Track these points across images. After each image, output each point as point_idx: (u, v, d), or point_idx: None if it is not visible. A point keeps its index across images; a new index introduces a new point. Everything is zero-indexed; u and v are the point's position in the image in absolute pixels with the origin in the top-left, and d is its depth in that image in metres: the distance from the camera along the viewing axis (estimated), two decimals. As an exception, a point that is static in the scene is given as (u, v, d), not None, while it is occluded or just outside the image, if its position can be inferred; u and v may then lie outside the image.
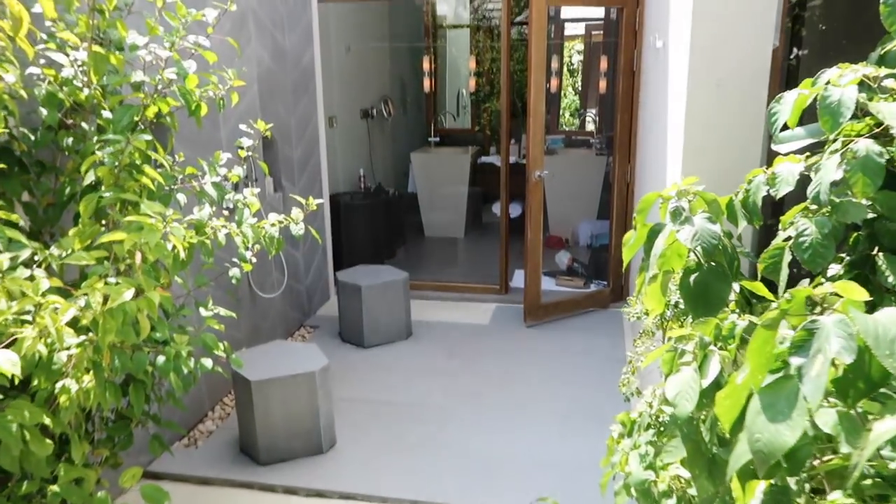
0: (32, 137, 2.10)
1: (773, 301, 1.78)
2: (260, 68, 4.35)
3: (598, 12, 8.37)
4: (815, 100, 1.49)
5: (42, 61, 2.03)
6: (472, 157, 7.36)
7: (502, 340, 4.79)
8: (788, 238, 1.53)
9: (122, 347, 1.81)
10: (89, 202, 1.84)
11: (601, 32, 8.67)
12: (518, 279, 5.83)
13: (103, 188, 1.87)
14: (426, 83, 7.55)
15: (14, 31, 1.55)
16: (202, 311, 2.37)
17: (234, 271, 2.60)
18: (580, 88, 9.91)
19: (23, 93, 1.80)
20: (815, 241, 1.50)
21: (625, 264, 2.04)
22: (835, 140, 1.56)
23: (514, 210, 7.28)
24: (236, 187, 2.82)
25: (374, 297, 4.64)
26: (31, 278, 1.55)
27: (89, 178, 1.88)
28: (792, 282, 1.57)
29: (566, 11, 9.00)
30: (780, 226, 1.64)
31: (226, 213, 2.46)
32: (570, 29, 9.78)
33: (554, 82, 7.84)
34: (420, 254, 6.92)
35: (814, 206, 1.57)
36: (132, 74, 2.06)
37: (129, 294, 1.56)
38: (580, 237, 6.95)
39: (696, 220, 1.76)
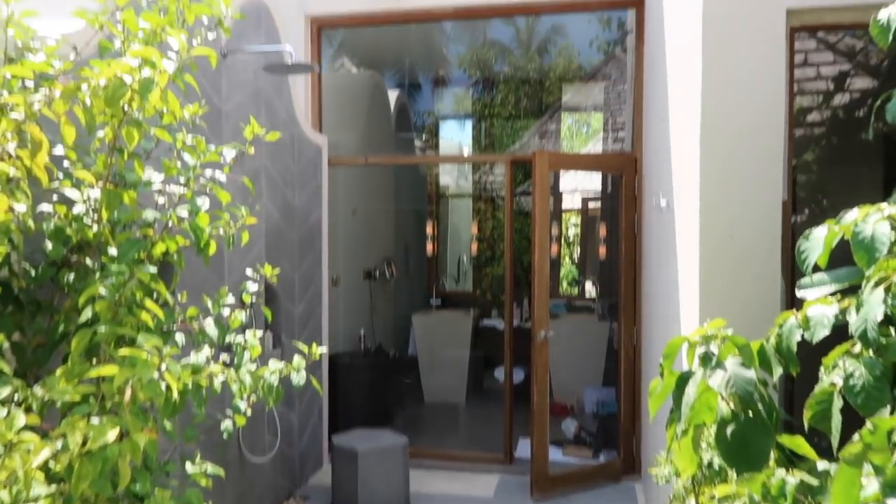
0: (33, 273, 2.04)
1: (816, 459, 1.62)
2: (269, 223, 4.41)
3: (595, 184, 8.75)
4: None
5: (55, 197, 2.02)
6: (473, 320, 7.30)
7: (508, 514, 4.41)
8: (834, 383, 1.41)
9: (97, 502, 1.61)
10: (83, 338, 1.73)
11: (598, 204, 9.02)
12: (523, 448, 5.52)
13: (99, 324, 1.77)
14: (429, 246, 7.71)
15: (32, 155, 1.54)
16: (189, 466, 2.17)
17: (227, 424, 2.43)
18: (578, 257, 10.12)
19: (31, 223, 1.77)
20: (868, 383, 1.38)
21: (652, 415, 1.89)
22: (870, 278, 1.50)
23: (518, 375, 7.09)
24: (236, 332, 2.75)
25: (371, 464, 4.34)
26: (7, 414, 1.41)
27: (86, 315, 1.79)
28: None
29: (564, 184, 9.42)
30: (822, 369, 1.52)
31: (224, 356, 2.34)
32: (567, 202, 10.20)
33: (553, 247, 8.00)
34: (420, 419, 6.62)
35: (857, 348, 1.47)
36: (144, 212, 2.05)
37: (112, 435, 1.41)
38: (585, 404, 6.69)
39: (729, 366, 1.64)
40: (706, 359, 1.66)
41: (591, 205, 9.48)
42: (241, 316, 2.44)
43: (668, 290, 3.39)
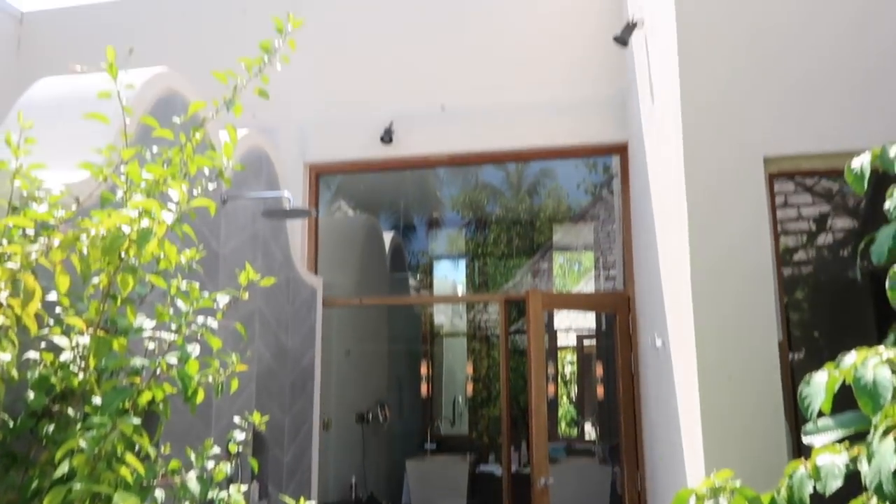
0: (11, 424, 1.96)
1: None
2: (260, 366, 4.34)
3: (590, 321, 8.75)
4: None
5: (42, 344, 1.99)
6: (470, 466, 7.01)
7: None
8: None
9: None
10: (55, 496, 1.63)
11: (593, 341, 8.97)
12: None
13: (76, 480, 1.68)
14: (423, 387, 7.56)
15: (23, 305, 1.53)
16: None
17: None
18: (576, 396, 9.91)
19: (14, 373, 1.72)
20: (890, 541, 1.30)
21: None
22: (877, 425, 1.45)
23: None
24: (220, 487, 2.59)
25: None
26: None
27: (62, 469, 1.70)
28: None
29: (558, 321, 9.43)
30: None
31: (207, 512, 2.20)
32: (562, 339, 10.16)
33: (550, 387, 7.85)
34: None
35: (873, 501, 1.40)
36: (132, 359, 2.01)
37: None
38: (591, 556, 6.28)
39: (742, 519, 1.56)
40: (716, 512, 1.58)
41: (587, 342, 9.43)
42: (226, 468, 2.33)
43: (670, 433, 3.29)
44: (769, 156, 2.59)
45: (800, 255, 3.50)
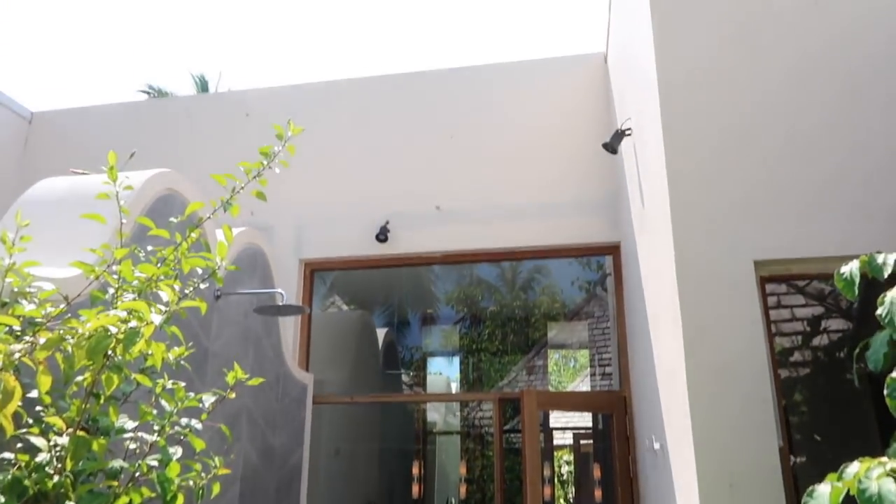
0: (-22, 530, 1.86)
1: None
2: (245, 467, 4.19)
3: (587, 419, 8.56)
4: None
5: (19, 445, 1.92)
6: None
7: None
8: None
9: None
10: None
11: (590, 441, 8.74)
12: None
13: None
14: (415, 489, 7.29)
15: (2, 405, 1.49)
16: None
17: None
18: (574, 499, 9.56)
19: (-15, 479, 1.65)
20: None
21: None
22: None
23: None
24: None
25: None
26: None
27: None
28: None
29: (554, 419, 9.22)
30: None
31: None
32: (558, 438, 9.90)
33: (547, 490, 7.57)
34: None
35: None
36: (111, 462, 1.94)
37: None
38: None
39: None
40: None
41: (584, 441, 9.19)
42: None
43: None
44: (759, 259, 2.62)
45: (796, 357, 3.47)
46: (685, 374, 2.41)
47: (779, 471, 2.24)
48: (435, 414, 10.36)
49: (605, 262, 6.53)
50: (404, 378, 9.80)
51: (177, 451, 1.97)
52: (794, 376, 3.15)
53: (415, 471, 7.34)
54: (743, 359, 2.37)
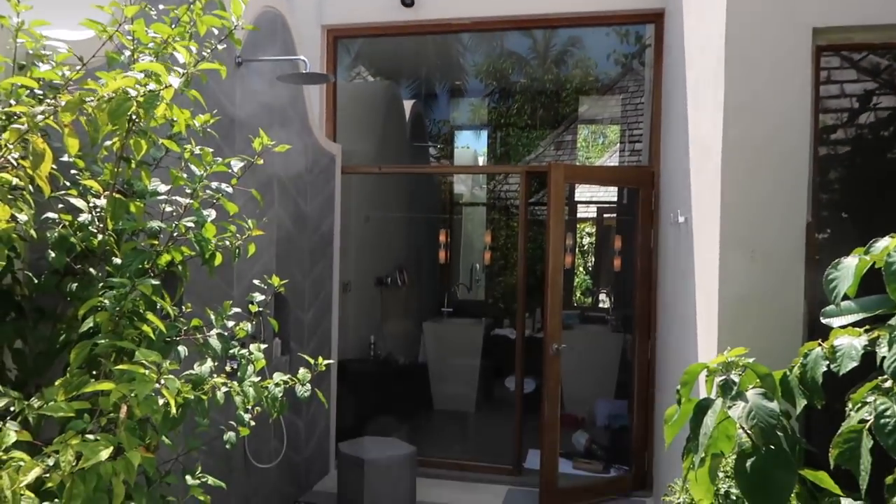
0: (36, 281, 2.01)
1: (842, 496, 1.55)
2: (280, 232, 4.39)
3: (611, 195, 8.68)
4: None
5: (60, 206, 2.00)
6: (485, 329, 7.24)
7: (515, 530, 4.35)
8: (863, 420, 1.35)
9: (90, 519, 1.57)
10: (82, 349, 1.70)
11: (613, 214, 8.94)
12: (532, 460, 5.45)
13: (100, 335, 1.74)
14: (441, 255, 7.67)
15: (34, 166, 1.51)
16: (188, 479, 2.13)
17: (230, 435, 2.39)
18: (593, 267, 10.04)
19: (33, 233, 1.74)
20: (900, 423, 1.32)
21: (667, 442, 1.83)
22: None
23: (528, 386, 7.04)
24: (243, 344, 2.67)
25: (378, 473, 4.29)
26: (-1, 430, 1.38)
27: (87, 325, 1.76)
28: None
29: (579, 193, 9.35)
30: (849, 405, 1.46)
31: (228, 368, 2.30)
32: (582, 212, 10.12)
33: (568, 258, 7.92)
34: (428, 427, 6.57)
35: (889, 383, 1.40)
36: (150, 222, 2.02)
37: (105, 453, 1.37)
38: (597, 417, 6.60)
39: (750, 396, 1.59)
40: (726, 388, 1.60)
41: (607, 215, 9.41)
42: (246, 326, 2.40)
43: (685, 307, 3.33)
44: (818, 26, 2.40)
45: (838, 135, 3.34)
46: (721, 146, 2.34)
47: (802, 245, 2.26)
48: (462, 186, 10.54)
49: (644, 33, 6.11)
50: (431, 151, 9.82)
51: (211, 214, 2.04)
52: (833, 154, 3.05)
53: (441, 238, 7.68)
54: (783, 134, 2.28)
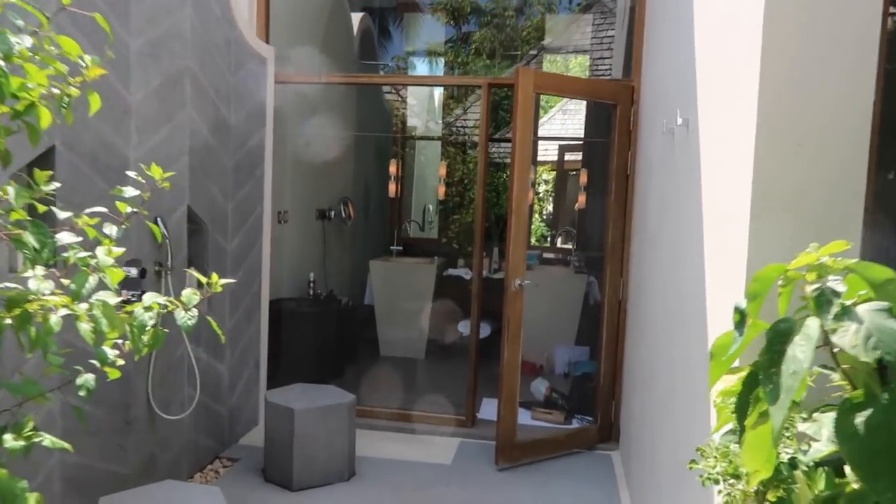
0: None
1: None
2: (194, 140, 3.64)
3: (577, 128, 8.10)
4: None
5: None
6: (437, 269, 6.64)
7: (469, 488, 3.83)
8: None
9: None
10: None
11: (576, 156, 8.35)
12: (487, 410, 4.94)
13: None
14: (392, 188, 6.97)
15: None
16: (7, 439, 1.47)
17: (86, 379, 1.72)
18: (553, 207, 9.50)
19: None
20: None
21: (711, 384, 1.25)
22: None
23: (483, 330, 6.51)
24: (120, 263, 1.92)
25: (310, 425, 3.69)
26: None
27: None
28: None
29: (542, 130, 8.71)
30: None
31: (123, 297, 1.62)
32: (542, 154, 9.52)
33: (529, 194, 7.32)
34: (373, 375, 5.99)
35: None
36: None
37: None
38: (556, 364, 6.14)
39: (864, 314, 0.99)
40: (823, 301, 1.01)
41: (569, 156, 8.82)
42: (111, 231, 1.70)
43: (681, 231, 2.77)
44: None
45: None
46: (762, 15, 1.72)
47: (867, 133, 1.69)
48: (416, 120, 9.79)
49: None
50: (382, 75, 9.02)
51: (24, 41, 1.31)
52: None
53: (392, 169, 6.95)
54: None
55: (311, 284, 5.61)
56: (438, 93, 10.60)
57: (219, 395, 4.08)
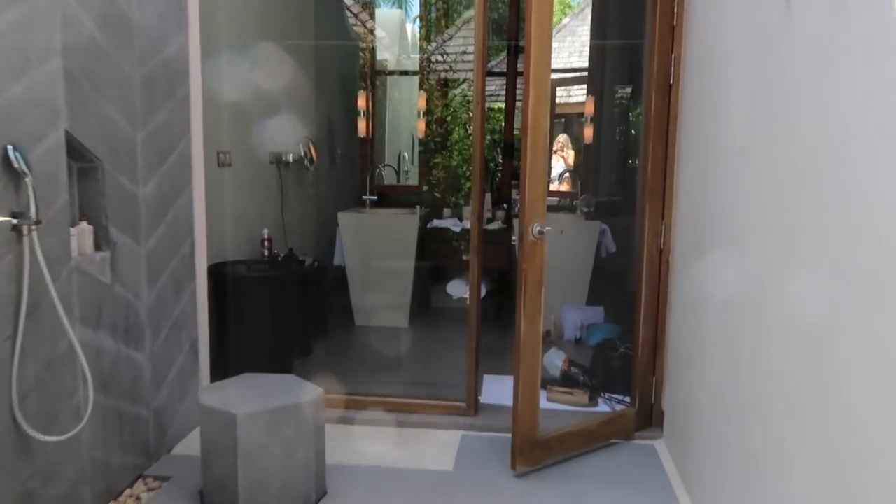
0: None
1: None
2: (71, 34, 2.50)
3: (582, 59, 7.03)
4: None
5: None
6: (420, 221, 5.58)
7: (480, 505, 2.85)
8: None
9: None
10: None
11: (582, 87, 7.26)
12: (490, 391, 3.96)
13: None
14: (362, 126, 5.81)
15: None
16: None
17: None
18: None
19: None
20: None
21: None
22: None
23: (454, 289, 5.51)
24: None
25: (260, 433, 2.66)
26: None
27: None
28: None
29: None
30: None
31: None
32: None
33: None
34: (347, 352, 4.97)
35: None
36: None
37: None
38: (565, 328, 5.17)
39: None
40: None
41: (561, 91, 7.72)
42: None
43: (807, 135, 1.74)
44: None
45: None
46: None
47: None
48: (386, 54, 8.58)
49: None
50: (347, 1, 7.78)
51: None
52: None
53: (361, 103, 5.78)
54: None
55: (266, 243, 4.51)
56: (410, 25, 9.41)
57: (137, 395, 3.02)
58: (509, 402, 3.16)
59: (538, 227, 2.95)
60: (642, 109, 3.45)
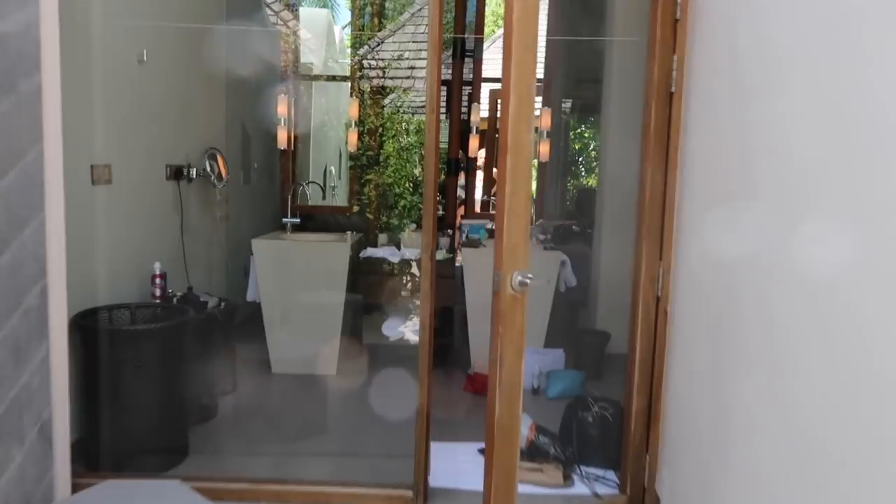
0: None
1: None
2: None
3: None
4: None
5: None
6: (351, 250, 4.77)
7: None
8: None
9: None
10: None
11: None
12: (441, 467, 3.18)
13: None
14: (282, 136, 4.95)
15: None
16: None
17: None
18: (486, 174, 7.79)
19: None
20: None
21: None
22: None
23: (392, 329, 4.75)
24: None
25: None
26: None
27: None
28: None
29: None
30: None
31: None
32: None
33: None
34: (260, 411, 4.08)
35: None
36: None
37: None
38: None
39: None
40: None
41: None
42: None
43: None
44: None
45: None
46: None
47: None
48: (312, 57, 7.74)
49: None
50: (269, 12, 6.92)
51: None
52: None
53: (282, 110, 4.91)
54: None
55: (158, 280, 3.59)
56: (339, 28, 8.65)
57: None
58: (465, 483, 2.47)
59: (520, 277, 2.21)
60: (644, 121, 2.79)
